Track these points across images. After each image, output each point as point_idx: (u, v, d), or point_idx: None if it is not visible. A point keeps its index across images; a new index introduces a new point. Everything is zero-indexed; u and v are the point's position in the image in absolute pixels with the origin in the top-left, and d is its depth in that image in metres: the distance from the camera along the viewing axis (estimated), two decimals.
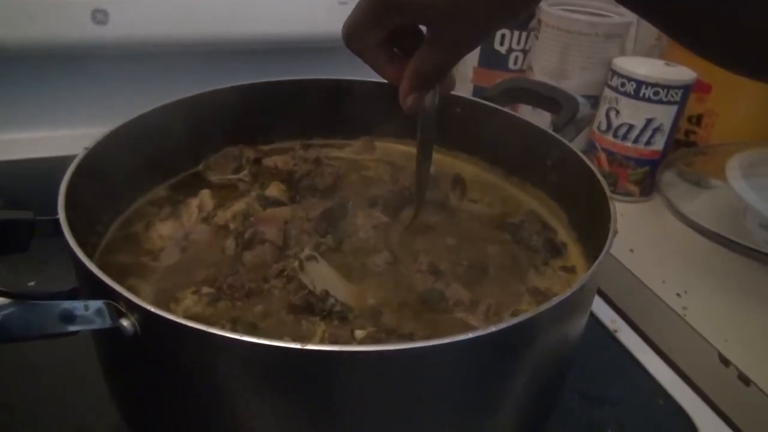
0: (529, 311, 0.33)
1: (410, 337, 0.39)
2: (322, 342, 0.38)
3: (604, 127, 0.78)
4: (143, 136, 0.51)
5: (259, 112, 0.61)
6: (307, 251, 0.44)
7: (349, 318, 0.41)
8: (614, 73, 0.75)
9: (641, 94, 0.73)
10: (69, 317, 0.31)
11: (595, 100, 0.80)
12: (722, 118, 0.81)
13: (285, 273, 0.43)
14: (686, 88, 0.73)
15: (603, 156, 0.79)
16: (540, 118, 0.59)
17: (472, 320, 0.42)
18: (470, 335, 0.31)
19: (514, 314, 0.43)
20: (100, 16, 0.74)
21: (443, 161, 0.63)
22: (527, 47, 0.88)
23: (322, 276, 0.43)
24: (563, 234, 0.54)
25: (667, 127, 0.75)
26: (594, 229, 0.45)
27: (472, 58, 0.90)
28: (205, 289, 0.42)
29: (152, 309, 0.31)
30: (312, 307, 0.41)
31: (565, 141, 0.53)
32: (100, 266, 0.33)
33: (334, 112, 0.65)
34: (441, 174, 0.58)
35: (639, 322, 0.63)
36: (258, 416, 0.34)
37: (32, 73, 0.79)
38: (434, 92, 0.43)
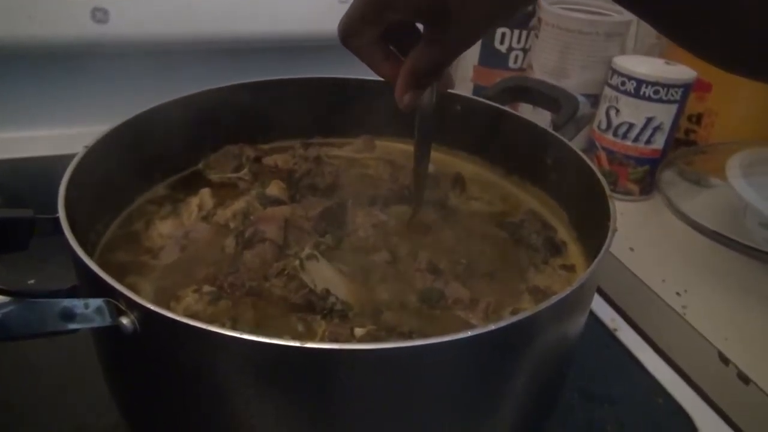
0: (528, 310, 0.33)
1: (410, 336, 0.39)
2: (322, 340, 0.38)
3: (604, 125, 0.78)
4: (143, 135, 0.52)
5: (259, 110, 0.61)
6: (307, 250, 0.44)
7: (349, 316, 0.41)
8: (614, 71, 0.75)
9: (641, 93, 0.73)
10: (69, 315, 0.32)
11: (595, 99, 0.80)
12: (722, 117, 0.81)
13: (286, 272, 0.43)
14: (686, 87, 0.73)
15: (603, 155, 0.79)
16: (540, 117, 0.59)
17: (472, 319, 0.42)
18: (469, 333, 0.31)
19: (513, 313, 0.43)
20: (100, 15, 0.74)
21: (443, 160, 0.63)
22: (527, 46, 0.88)
23: (322, 275, 0.43)
24: (563, 233, 0.54)
25: (667, 126, 0.75)
26: (594, 228, 0.45)
27: (473, 56, 0.90)
28: (206, 288, 0.43)
29: (152, 307, 0.31)
30: (312, 306, 0.41)
31: (565, 140, 0.53)
32: (100, 265, 0.33)
33: (335, 110, 0.65)
34: (441, 173, 0.58)
35: (639, 320, 0.63)
36: (258, 414, 0.34)
37: (32, 71, 0.79)
38: (432, 91, 0.43)
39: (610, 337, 0.60)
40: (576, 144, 0.53)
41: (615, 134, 0.77)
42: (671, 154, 0.77)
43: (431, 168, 0.57)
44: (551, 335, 0.37)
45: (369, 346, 0.32)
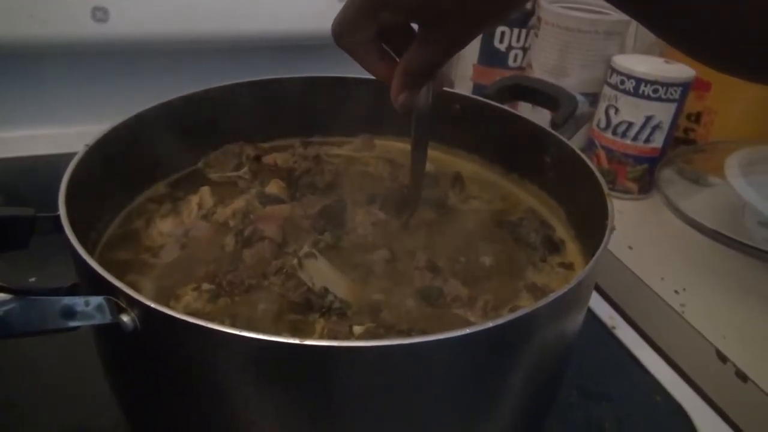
0: (526, 307, 0.33)
1: (408, 333, 0.39)
2: (321, 338, 0.39)
3: (603, 124, 0.78)
4: (143, 134, 0.52)
5: (258, 109, 0.61)
6: (306, 248, 0.44)
7: (347, 314, 0.41)
8: (614, 70, 0.75)
9: (640, 92, 0.73)
10: (69, 313, 0.32)
11: (594, 98, 0.80)
12: (721, 116, 0.81)
13: (284, 270, 0.43)
14: (685, 86, 0.73)
15: (602, 153, 0.79)
16: (540, 116, 0.59)
17: (470, 316, 0.42)
18: (468, 331, 0.31)
19: (512, 310, 0.44)
20: (100, 14, 0.74)
21: (442, 159, 0.63)
22: (527, 45, 0.88)
23: (321, 273, 0.43)
24: (561, 231, 0.54)
25: (666, 125, 0.75)
26: (592, 226, 0.45)
27: (472, 55, 0.90)
28: (206, 286, 0.43)
29: (152, 304, 0.31)
30: (311, 304, 0.41)
31: (564, 138, 0.53)
32: (101, 263, 0.33)
33: (334, 109, 0.65)
34: (440, 172, 0.59)
35: (637, 319, 0.63)
36: (257, 411, 0.34)
37: (33, 70, 0.79)
38: (427, 90, 0.43)
39: (608, 335, 0.60)
40: (575, 143, 0.53)
41: (614, 133, 0.77)
42: (670, 152, 0.78)
43: (431, 167, 0.57)
44: (549, 333, 0.37)
45: (367, 344, 0.32)
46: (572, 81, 0.81)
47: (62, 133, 0.79)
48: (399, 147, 0.64)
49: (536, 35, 0.84)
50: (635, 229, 0.73)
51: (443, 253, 0.48)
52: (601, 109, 0.78)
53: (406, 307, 0.43)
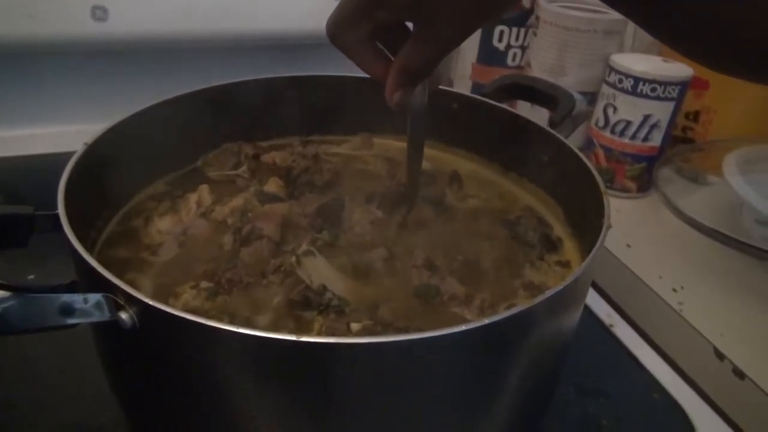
0: (522, 304, 0.33)
1: (405, 331, 0.39)
2: (318, 335, 0.39)
3: (601, 123, 0.78)
4: (142, 132, 0.52)
5: (257, 108, 0.61)
6: (304, 246, 0.44)
7: (345, 312, 0.41)
8: (612, 69, 0.75)
9: (639, 91, 0.73)
10: (68, 310, 0.32)
11: (592, 97, 0.80)
12: (720, 115, 0.81)
13: (282, 268, 0.43)
14: (684, 85, 0.73)
15: (600, 152, 0.79)
16: (539, 115, 0.59)
17: (467, 314, 0.43)
18: (464, 327, 0.31)
19: (509, 308, 0.44)
20: (99, 13, 0.75)
21: (440, 157, 0.63)
22: (526, 44, 0.88)
23: (319, 271, 0.43)
24: (559, 229, 0.54)
25: (664, 124, 0.75)
26: (589, 225, 0.46)
27: (471, 54, 0.91)
28: (204, 284, 0.43)
29: (150, 302, 0.31)
30: (309, 302, 0.41)
31: (561, 137, 0.53)
32: (99, 261, 0.34)
33: (333, 108, 0.65)
34: (438, 170, 0.59)
35: (635, 317, 0.63)
36: (255, 407, 0.34)
37: (32, 69, 0.80)
38: (423, 89, 0.44)
39: (606, 333, 0.60)
40: (574, 142, 0.53)
41: (612, 132, 0.77)
42: (669, 151, 0.78)
43: (428, 165, 0.58)
44: (546, 330, 0.37)
45: (364, 340, 0.32)
46: (571, 80, 0.81)
47: (62, 132, 0.80)
48: (397, 146, 0.65)
49: (535, 34, 0.84)
50: (633, 227, 0.73)
51: (441, 252, 0.48)
52: (599, 108, 0.78)
53: (403, 305, 0.43)
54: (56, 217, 0.37)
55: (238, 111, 0.60)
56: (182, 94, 0.55)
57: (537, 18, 0.83)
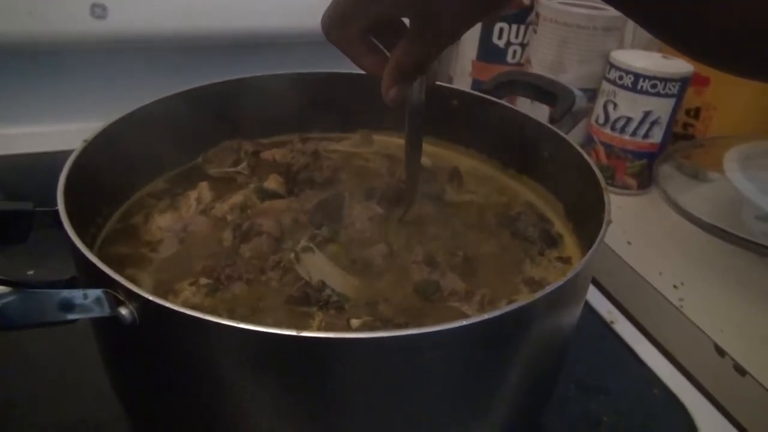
0: (522, 299, 0.33)
1: (405, 326, 0.39)
2: (318, 330, 0.39)
3: (602, 120, 0.78)
4: (142, 129, 0.52)
5: (257, 105, 0.61)
6: (303, 242, 0.44)
7: (345, 308, 0.41)
8: (612, 66, 0.75)
9: (639, 87, 0.73)
10: (68, 306, 0.32)
11: (593, 93, 0.80)
12: (720, 111, 0.81)
13: (282, 264, 0.43)
14: (684, 81, 0.73)
15: (601, 149, 0.79)
16: (539, 112, 0.59)
17: (467, 310, 0.43)
18: (464, 322, 0.31)
19: (509, 304, 0.44)
20: (98, 11, 0.75)
21: (440, 154, 0.63)
22: (525, 41, 0.88)
23: (318, 267, 0.43)
24: (559, 225, 0.54)
25: (664, 120, 0.75)
26: (590, 221, 0.46)
27: (471, 52, 0.91)
28: (203, 280, 0.43)
29: (150, 297, 0.31)
30: (309, 298, 0.41)
31: (562, 133, 0.53)
32: (99, 258, 0.34)
33: (333, 105, 0.65)
34: (438, 167, 0.59)
35: (636, 313, 0.63)
36: (255, 402, 0.34)
37: (31, 67, 0.80)
38: (420, 85, 0.43)
39: (607, 329, 0.60)
40: (574, 138, 0.53)
41: (613, 128, 0.77)
42: (669, 148, 0.78)
43: (428, 162, 0.58)
44: (546, 325, 0.37)
45: (364, 335, 0.32)
46: (571, 76, 0.81)
47: (61, 130, 0.79)
48: (397, 142, 0.64)
49: (535, 31, 0.84)
50: (634, 224, 0.73)
51: (441, 248, 0.48)
52: (599, 105, 0.78)
53: (403, 301, 0.43)
54: (56, 213, 0.37)
55: (238, 108, 0.60)
56: (181, 91, 0.55)
57: (537, 15, 0.83)
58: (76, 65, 0.81)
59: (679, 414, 0.51)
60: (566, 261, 0.49)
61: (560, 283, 0.34)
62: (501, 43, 0.88)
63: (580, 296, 0.42)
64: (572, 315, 0.42)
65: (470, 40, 0.89)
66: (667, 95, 0.73)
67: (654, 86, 0.72)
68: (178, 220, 0.50)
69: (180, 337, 0.33)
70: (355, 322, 0.39)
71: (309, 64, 0.64)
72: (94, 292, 0.32)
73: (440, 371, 0.34)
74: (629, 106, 0.75)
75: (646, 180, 0.79)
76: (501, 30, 0.87)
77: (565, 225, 0.54)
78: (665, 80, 0.72)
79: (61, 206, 0.38)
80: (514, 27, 0.87)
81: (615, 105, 0.76)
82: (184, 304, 0.40)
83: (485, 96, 0.60)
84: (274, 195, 0.52)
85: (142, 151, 0.53)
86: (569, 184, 0.53)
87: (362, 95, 0.62)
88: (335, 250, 0.46)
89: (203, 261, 0.45)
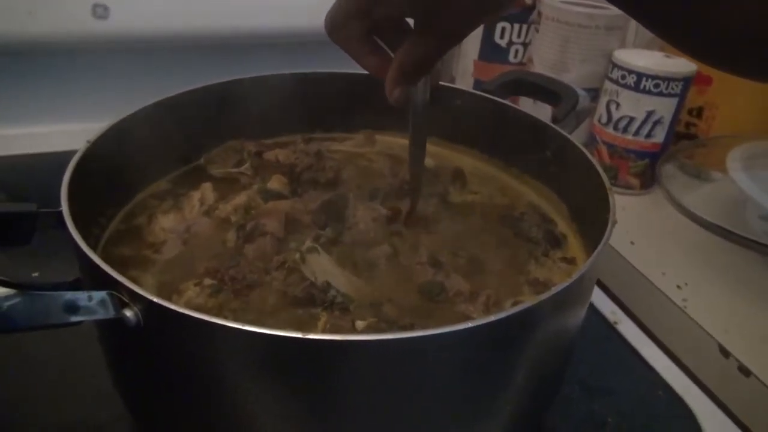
0: (528, 301, 0.33)
1: (410, 328, 0.39)
2: (323, 332, 0.39)
3: (604, 119, 0.78)
4: (145, 130, 0.52)
5: (260, 105, 0.61)
6: (308, 243, 0.44)
7: (350, 309, 0.41)
8: (614, 65, 0.75)
9: (642, 87, 0.73)
10: (73, 308, 0.32)
11: (595, 93, 0.80)
12: (723, 111, 0.81)
13: (286, 265, 0.43)
14: (687, 81, 0.73)
15: (604, 149, 0.79)
16: (541, 111, 0.59)
17: (473, 312, 0.42)
18: (470, 324, 0.31)
19: (514, 305, 0.43)
20: (100, 11, 0.75)
21: (443, 154, 0.63)
22: (527, 40, 0.88)
23: (323, 268, 0.43)
24: (563, 226, 0.54)
25: (667, 120, 0.75)
26: (594, 221, 0.45)
27: (473, 51, 0.90)
28: (207, 281, 0.43)
29: (155, 299, 0.31)
30: (313, 299, 0.41)
31: (565, 133, 0.53)
32: (103, 258, 0.34)
33: (336, 105, 0.65)
34: (441, 167, 0.59)
35: (639, 314, 0.63)
36: (260, 404, 0.34)
37: (33, 68, 0.79)
38: (424, 85, 0.43)
39: (610, 330, 0.60)
40: (576, 138, 0.53)
41: (615, 128, 0.77)
42: (672, 147, 0.77)
43: (431, 162, 0.58)
44: (551, 327, 0.37)
45: (370, 338, 0.32)
46: (573, 76, 0.81)
47: (64, 130, 0.79)
48: (400, 143, 0.64)
49: (537, 30, 0.84)
50: (637, 224, 0.73)
51: (445, 249, 0.48)
52: (602, 104, 0.78)
53: (407, 302, 0.43)
54: (59, 214, 0.37)
55: (241, 108, 0.60)
56: (184, 92, 0.55)
57: (539, 14, 0.83)
58: (77, 65, 0.81)
59: (683, 415, 0.51)
60: (570, 262, 0.49)
61: (566, 284, 0.34)
62: (503, 43, 0.88)
63: (585, 297, 0.42)
64: (577, 316, 0.41)
65: (472, 39, 0.89)
66: (669, 95, 0.73)
67: (657, 86, 0.72)
68: (182, 221, 0.50)
69: (185, 339, 0.33)
70: (360, 323, 0.39)
71: (311, 64, 0.64)
72: (99, 294, 0.32)
73: (446, 372, 0.34)
74: (632, 105, 0.74)
75: (648, 180, 0.79)
76: (503, 29, 0.87)
77: (568, 225, 0.54)
78: (668, 80, 0.72)
79: (65, 208, 0.38)
80: (516, 26, 0.87)
81: (618, 104, 0.76)
82: (188, 305, 0.41)
83: (488, 96, 0.60)
84: (277, 195, 0.52)
85: (144, 152, 0.53)
86: (573, 184, 0.53)
87: (365, 95, 0.62)
88: (339, 251, 0.46)
89: (207, 262, 0.45)
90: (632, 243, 0.69)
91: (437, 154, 0.62)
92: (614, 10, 0.80)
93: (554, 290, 0.34)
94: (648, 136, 0.75)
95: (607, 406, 0.51)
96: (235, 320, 0.32)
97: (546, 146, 0.55)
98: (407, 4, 0.35)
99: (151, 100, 0.53)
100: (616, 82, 0.75)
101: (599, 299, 0.64)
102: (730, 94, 0.79)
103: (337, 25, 0.38)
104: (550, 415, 0.48)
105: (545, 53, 0.83)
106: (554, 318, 0.36)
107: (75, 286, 0.36)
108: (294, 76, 0.62)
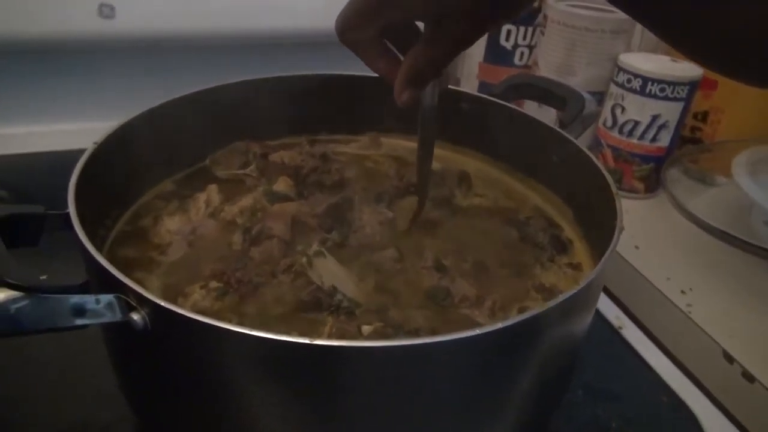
0: (535, 308, 0.33)
1: (417, 333, 0.39)
2: (329, 337, 0.39)
3: (609, 123, 0.77)
4: (151, 131, 0.52)
5: (266, 107, 0.61)
6: (315, 247, 0.44)
7: (356, 313, 0.41)
8: (620, 69, 0.75)
9: (647, 91, 0.73)
10: (80, 311, 0.32)
11: (601, 97, 0.80)
12: (728, 115, 0.81)
13: (293, 268, 0.43)
14: (692, 85, 0.73)
15: (608, 152, 0.79)
16: (547, 115, 0.59)
17: (478, 316, 0.42)
18: (478, 331, 0.31)
19: (520, 311, 0.44)
20: (106, 11, 0.75)
21: (449, 157, 0.63)
22: (533, 43, 0.88)
23: (329, 272, 0.43)
24: (569, 231, 0.54)
25: (672, 124, 0.74)
26: (600, 226, 0.45)
27: (478, 54, 0.90)
28: (213, 284, 0.43)
29: (162, 303, 0.31)
30: (320, 303, 0.41)
31: (571, 137, 0.53)
32: (108, 260, 0.34)
33: (341, 107, 0.65)
34: (446, 170, 0.59)
35: (644, 319, 0.63)
36: (265, 409, 0.34)
37: (40, 67, 0.80)
38: (433, 88, 0.43)
39: (615, 335, 0.60)
40: (581, 141, 0.53)
41: (620, 132, 0.77)
42: (677, 152, 0.77)
43: (437, 165, 0.57)
44: (558, 333, 0.37)
45: (377, 344, 0.32)
46: (578, 79, 0.81)
47: (69, 130, 0.79)
48: (406, 145, 0.64)
49: (542, 33, 0.84)
50: (642, 228, 0.72)
51: (450, 253, 0.48)
52: (607, 108, 0.78)
53: (413, 307, 0.43)
54: (66, 216, 0.37)
55: (246, 109, 0.60)
56: (190, 93, 0.55)
57: (545, 17, 0.83)
58: (83, 65, 0.81)
59: (687, 420, 0.51)
60: (576, 267, 0.49)
61: (573, 291, 0.34)
62: (508, 45, 0.88)
63: (591, 304, 0.42)
64: (584, 322, 0.41)
65: (477, 42, 0.89)
66: (675, 99, 0.73)
67: (662, 90, 0.72)
68: (187, 222, 0.50)
69: (192, 343, 0.33)
70: (366, 328, 0.39)
71: (317, 65, 0.64)
72: (106, 298, 0.32)
73: (452, 378, 0.34)
74: (637, 109, 0.74)
75: (653, 184, 0.79)
76: (508, 32, 0.87)
77: (574, 230, 0.54)
78: (674, 84, 0.72)
79: (72, 210, 0.37)
80: (522, 29, 0.87)
81: (623, 108, 0.75)
82: (194, 308, 0.41)
83: (494, 99, 0.60)
84: (283, 198, 0.52)
85: (150, 153, 0.53)
86: (579, 189, 0.53)
87: (371, 97, 0.62)
88: (345, 255, 0.46)
89: (212, 264, 0.45)
90: (636, 247, 0.69)
91: (443, 157, 0.62)
92: (620, 14, 0.79)
93: (562, 297, 0.34)
94: (653, 140, 0.75)
95: (610, 411, 0.51)
96: (241, 323, 0.32)
97: (552, 151, 0.55)
98: (418, 8, 0.35)
99: (155, 101, 0.52)
100: (621, 85, 0.75)
101: (604, 304, 0.64)
102: (736, 99, 0.79)
103: (348, 28, 0.38)
104: (554, 420, 0.48)
105: (551, 56, 0.83)
106: (561, 325, 0.36)
107: (84, 289, 0.36)
108: (299, 78, 0.62)
